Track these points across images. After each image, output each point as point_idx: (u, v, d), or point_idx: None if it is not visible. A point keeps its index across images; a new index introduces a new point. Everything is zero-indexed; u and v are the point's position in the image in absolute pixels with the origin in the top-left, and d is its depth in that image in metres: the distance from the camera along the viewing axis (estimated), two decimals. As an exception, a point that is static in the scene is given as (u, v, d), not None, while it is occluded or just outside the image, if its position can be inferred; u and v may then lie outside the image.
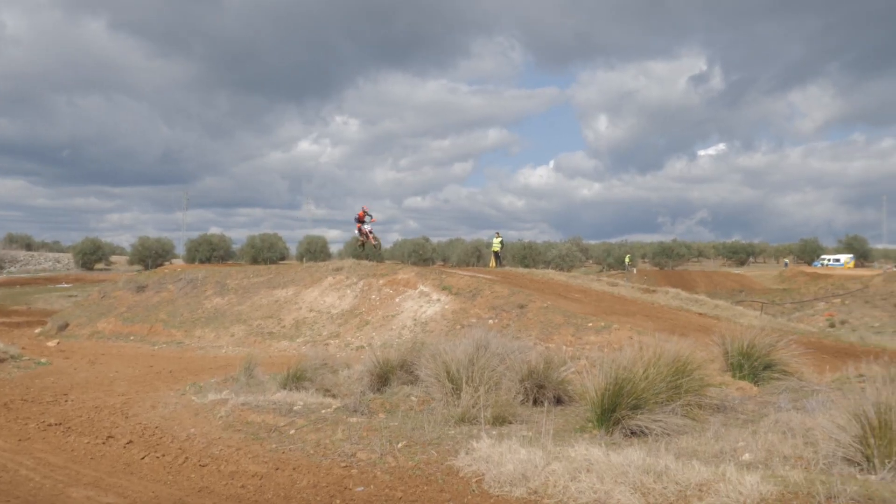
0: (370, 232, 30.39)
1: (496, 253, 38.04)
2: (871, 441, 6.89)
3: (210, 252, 63.23)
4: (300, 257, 61.39)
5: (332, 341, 22.00)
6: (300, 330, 23.91)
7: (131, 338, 26.47)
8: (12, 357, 18.75)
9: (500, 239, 38.79)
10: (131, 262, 71.41)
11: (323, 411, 11.12)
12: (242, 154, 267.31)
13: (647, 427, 8.63)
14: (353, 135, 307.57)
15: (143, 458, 9.97)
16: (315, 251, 61.36)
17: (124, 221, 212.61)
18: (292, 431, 10.26)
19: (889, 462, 6.64)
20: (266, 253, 59.88)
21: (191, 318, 27.03)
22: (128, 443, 10.70)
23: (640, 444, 7.83)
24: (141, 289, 31.23)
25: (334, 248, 66.75)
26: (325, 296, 25.97)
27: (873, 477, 6.58)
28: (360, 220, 31.13)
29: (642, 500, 6.34)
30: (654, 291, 28.52)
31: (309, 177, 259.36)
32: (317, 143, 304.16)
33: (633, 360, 9.30)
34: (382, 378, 12.73)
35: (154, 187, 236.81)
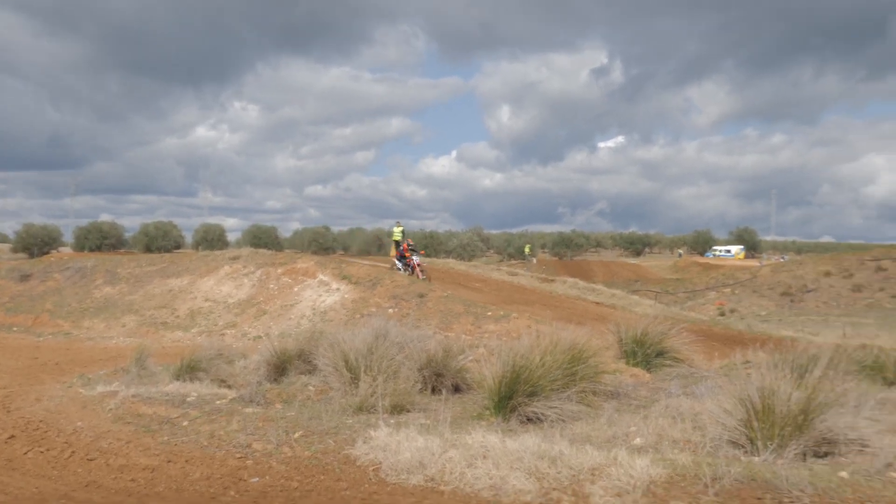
0: (419, 265, 27.20)
1: (397, 242, 38.04)
2: (755, 424, 7.20)
3: (101, 240, 61.11)
4: (196, 246, 60.00)
5: (228, 331, 21.62)
6: (195, 320, 23.40)
7: (14, 328, 25.36)
8: None
9: (401, 228, 38.77)
10: (15, 250, 68.31)
11: (217, 402, 10.91)
12: (136, 139, 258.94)
13: (542, 413, 8.80)
14: (252, 121, 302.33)
15: (25, 454, 9.57)
16: (212, 240, 60.06)
17: (7, 207, 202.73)
18: (185, 423, 10.04)
19: (771, 444, 6.96)
20: (160, 241, 58.26)
21: (79, 307, 26.10)
22: (9, 438, 10.24)
23: (536, 431, 7.98)
24: (25, 277, 29.93)
25: (232, 237, 65.54)
26: (222, 285, 25.49)
27: (756, 458, 6.89)
28: (403, 255, 28.04)
29: (537, 485, 6.46)
30: (552, 281, 29.09)
31: (206, 163, 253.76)
32: (214, 128, 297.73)
33: (530, 348, 9.47)
34: (280, 368, 12.58)
35: (40, 172, 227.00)
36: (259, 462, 8.50)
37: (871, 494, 5.90)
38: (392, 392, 9.91)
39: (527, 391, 9.00)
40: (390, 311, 20.06)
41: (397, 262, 28.17)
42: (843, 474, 6.41)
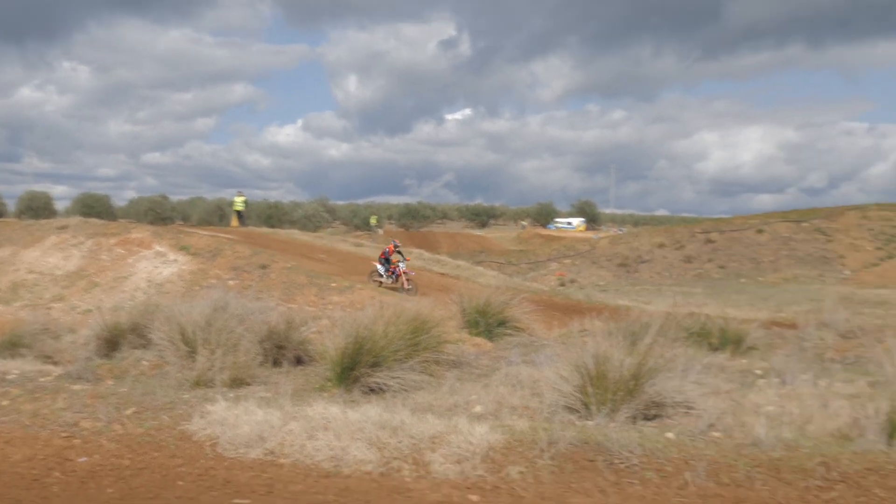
0: (406, 272, 23.17)
1: (239, 212, 37.16)
2: (590, 390, 7.52)
3: None
4: (20, 215, 56.37)
5: (55, 305, 20.49)
6: (18, 293, 22.03)
7: None
8: None
9: (243, 198, 37.91)
10: None
11: (42, 379, 10.32)
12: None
13: (385, 384, 8.85)
14: (83, 83, 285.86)
15: None
16: (38, 208, 56.68)
17: None
18: (5, 402, 9.43)
19: (604, 408, 7.30)
20: None
21: None
22: None
23: (378, 401, 8.02)
24: None
25: (61, 206, 61.99)
26: (48, 256, 24.08)
27: (590, 423, 7.20)
28: (388, 258, 23.64)
29: (378, 454, 6.50)
30: (397, 252, 29.25)
31: (31, 127, 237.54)
32: (41, 89, 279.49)
33: (373, 319, 9.48)
34: (112, 343, 12.05)
35: None
36: (87, 441, 8.11)
37: (694, 453, 6.29)
38: (231, 365, 9.69)
39: (370, 362, 9.02)
40: (231, 282, 19.59)
41: (378, 267, 23.17)
42: (670, 435, 6.81)
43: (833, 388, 8.81)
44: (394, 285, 22.64)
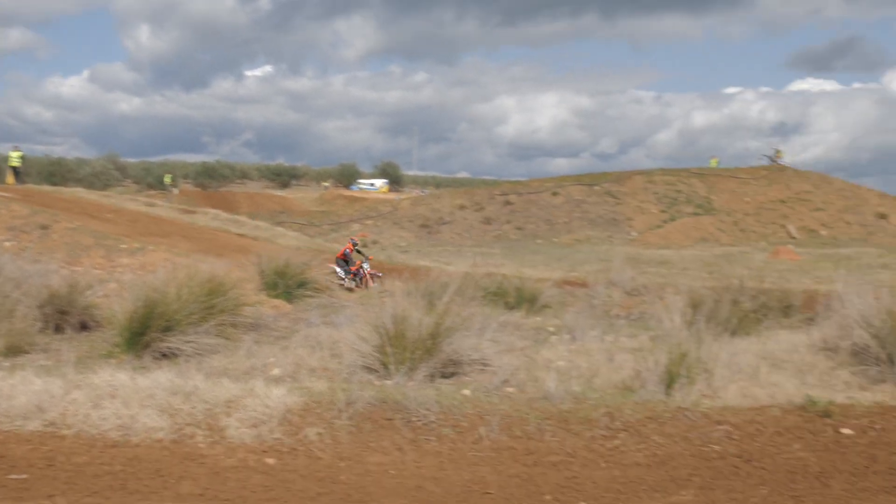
0: (372, 273, 20.37)
1: (15, 168, 34.41)
2: (389, 350, 7.64)
3: None
4: None
5: None
6: None
7: None
8: None
9: (19, 153, 35.15)
10: None
11: None
12: None
13: (178, 349, 8.57)
14: None
15: None
16: None
17: None
18: None
19: (403, 368, 7.43)
20: None
21: None
22: None
23: (171, 367, 7.75)
24: None
25: None
26: None
27: (389, 382, 7.32)
28: (346, 259, 20.88)
29: (170, 421, 6.31)
30: (193, 212, 28.24)
31: None
32: None
33: (166, 282, 9.14)
34: None
35: None
36: None
37: (489, 409, 6.55)
38: (6, 333, 9.04)
39: (161, 326, 8.69)
40: (7, 244, 18.18)
41: (337, 269, 19.83)
42: (466, 392, 7.06)
43: (618, 343, 9.47)
44: (358, 287, 19.59)
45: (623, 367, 7.85)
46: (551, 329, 10.89)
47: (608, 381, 7.53)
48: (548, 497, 5.54)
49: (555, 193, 59.58)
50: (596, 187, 59.90)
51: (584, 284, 17.20)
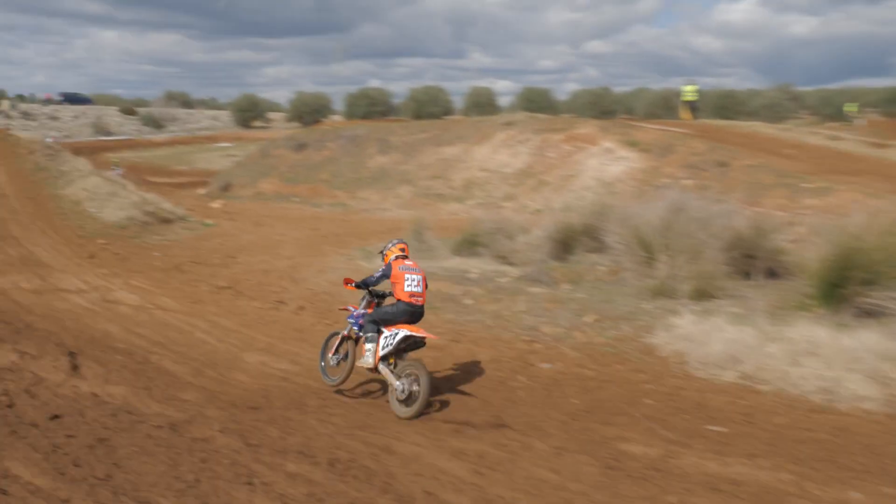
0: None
1: (690, 103, 36.36)
2: None
3: (369, 107, 63.90)
4: (466, 112, 61.20)
5: (506, 203, 22.02)
6: (470, 191, 24.04)
7: (294, 199, 27.53)
8: (180, 218, 19.94)
9: (694, 87, 36.99)
10: (289, 120, 73.58)
11: (500, 280, 11.17)
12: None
13: (884, 306, 8.03)
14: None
15: (313, 325, 10.42)
16: (482, 105, 60.83)
17: (280, 76, 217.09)
18: (468, 301, 10.39)
19: None
20: (429, 107, 59.88)
21: (354, 178, 27.73)
22: (298, 308, 11.22)
23: (876, 326, 7.32)
24: (301, 147, 32.18)
25: (503, 102, 66.13)
26: (497, 153, 25.86)
27: None
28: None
29: (881, 390, 5.96)
30: (885, 146, 26.49)
31: (474, 21, 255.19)
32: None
33: (863, 227, 8.62)
34: (565, 245, 12.59)
35: (309, 38, 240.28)
36: (549, 347, 8.61)
37: None
38: (694, 275, 9.55)
39: (862, 279, 8.23)
40: (686, 182, 19.34)
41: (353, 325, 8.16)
42: None
43: None
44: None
45: None
46: None
47: None
48: None
49: None
50: None
51: None
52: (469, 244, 13.09)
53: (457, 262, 12.23)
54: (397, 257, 7.73)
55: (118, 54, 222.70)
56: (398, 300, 7.48)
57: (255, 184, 30.02)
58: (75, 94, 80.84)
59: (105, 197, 19.58)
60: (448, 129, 29.95)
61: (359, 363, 7.52)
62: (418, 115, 56.66)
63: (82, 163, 22.66)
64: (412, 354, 7.51)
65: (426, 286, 7.71)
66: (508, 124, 27.79)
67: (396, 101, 66.64)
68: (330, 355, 7.94)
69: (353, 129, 32.49)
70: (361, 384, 7.90)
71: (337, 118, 65.83)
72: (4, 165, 21.26)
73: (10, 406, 6.64)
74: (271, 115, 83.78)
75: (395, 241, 8.02)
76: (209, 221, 20.56)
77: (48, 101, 73.00)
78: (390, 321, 7.46)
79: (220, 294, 12.32)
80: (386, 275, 7.56)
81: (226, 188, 30.60)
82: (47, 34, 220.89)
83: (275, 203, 27.19)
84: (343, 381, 7.72)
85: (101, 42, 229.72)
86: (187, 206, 22.64)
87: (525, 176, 23.71)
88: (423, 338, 7.27)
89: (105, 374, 7.88)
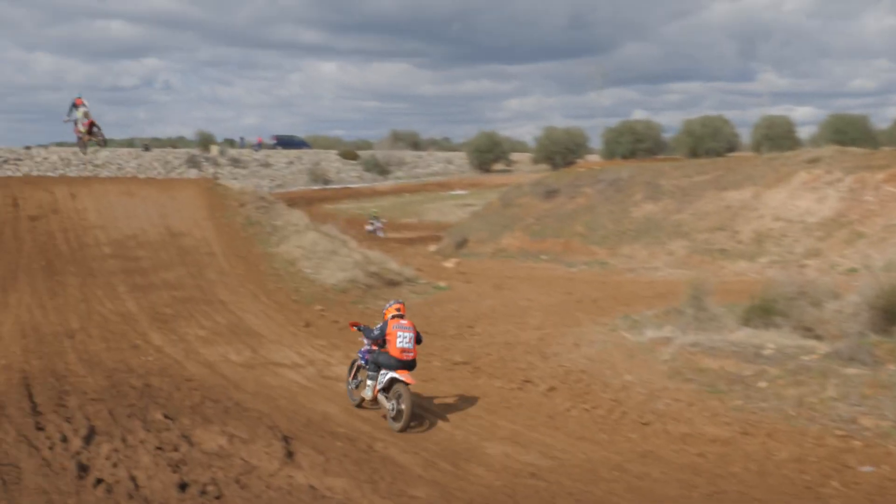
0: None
1: None
2: None
3: (634, 144, 63.89)
4: (756, 147, 59.76)
5: (809, 261, 21.30)
6: (763, 246, 23.46)
7: (542, 256, 27.89)
8: (408, 280, 20.73)
9: None
10: (536, 161, 74.61)
11: (804, 358, 10.82)
12: (674, 8, 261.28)
13: None
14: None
15: (568, 410, 10.52)
16: (777, 137, 59.15)
17: (524, 108, 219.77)
18: (762, 384, 10.14)
19: None
20: (708, 142, 59.05)
21: (615, 230, 27.76)
22: (549, 389, 11.33)
23: None
24: (551, 194, 32.58)
25: (804, 133, 64.12)
26: (797, 198, 25.12)
27: None
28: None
29: None
30: None
31: (766, 34, 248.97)
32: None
33: None
34: (889, 314, 12.00)
35: (559, 62, 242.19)
36: (870, 445, 8.25)
37: None
38: None
39: None
40: None
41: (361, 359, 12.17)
42: None
43: None
44: None
45: None
46: None
47: None
48: None
49: None
50: None
51: None
52: (762, 312, 12.77)
53: (746, 335, 11.94)
54: (393, 316, 11.14)
55: (337, 89, 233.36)
56: (392, 355, 10.83)
57: (495, 239, 30.75)
58: (290, 136, 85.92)
59: (323, 256, 20.64)
60: (733, 169, 29.50)
61: (362, 394, 11.32)
62: (695, 152, 56.13)
63: (298, 216, 23.89)
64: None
65: (418, 341, 11.09)
66: (812, 161, 26.97)
67: (667, 135, 66.33)
68: (350, 379, 11.85)
69: (613, 172, 32.65)
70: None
71: (594, 158, 66.35)
72: (212, 220, 22.80)
73: (217, 498, 7.14)
74: (514, 155, 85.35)
75: (393, 302, 11.59)
76: (442, 284, 21.22)
77: (260, 146, 77.96)
78: (385, 367, 10.88)
79: (456, 371, 12.64)
80: (382, 332, 11.06)
81: (461, 244, 31.42)
82: (258, 69, 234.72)
83: (519, 261, 27.72)
84: (361, 403, 11.36)
85: (319, 76, 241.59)
86: (416, 266, 23.48)
87: (835, 226, 22.88)
88: (407, 383, 10.53)
89: (324, 463, 8.29)
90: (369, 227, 38.57)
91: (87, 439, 8.93)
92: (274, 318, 16.30)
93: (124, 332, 14.74)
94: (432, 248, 32.61)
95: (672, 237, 25.85)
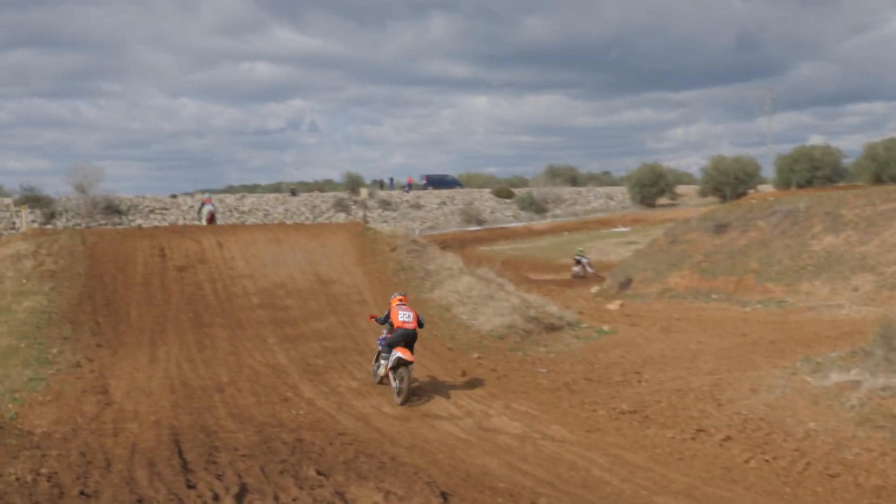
0: None
1: None
2: None
3: (811, 172, 62.23)
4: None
5: None
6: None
7: (713, 296, 27.10)
8: (569, 324, 20.34)
9: None
10: (703, 193, 73.56)
11: None
12: (851, 23, 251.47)
13: None
14: None
15: (746, 462, 10.18)
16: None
17: (689, 138, 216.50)
18: None
19: None
20: (894, 167, 57.06)
21: (793, 265, 26.77)
22: (724, 439, 10.94)
23: None
24: (721, 228, 31.75)
25: None
26: None
27: None
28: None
29: None
30: None
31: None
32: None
33: None
34: None
35: (726, 87, 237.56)
36: None
37: None
38: None
39: None
40: None
41: (380, 346, 16.16)
42: None
43: None
44: None
45: None
46: None
47: None
48: None
49: None
50: None
51: None
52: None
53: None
54: (397, 305, 15.49)
55: (489, 124, 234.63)
56: (396, 327, 15.02)
57: (661, 278, 30.13)
58: (441, 175, 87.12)
59: (479, 301, 20.46)
60: (928, 196, 28.07)
61: (379, 372, 15.52)
62: (879, 178, 54.04)
63: (452, 259, 23.91)
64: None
65: (419, 324, 15.19)
66: None
67: (847, 161, 64.20)
68: (374, 363, 16.03)
69: (789, 202, 31.55)
70: None
71: (767, 188, 64.71)
72: (363, 266, 23.05)
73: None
74: (680, 188, 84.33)
75: (396, 294, 16.13)
76: (606, 328, 20.82)
77: (410, 187, 79.00)
78: (395, 344, 14.89)
79: (623, 420, 12.32)
80: (387, 315, 15.53)
81: (625, 285, 31.00)
82: (407, 106, 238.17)
83: (688, 302, 27.08)
84: (380, 380, 15.52)
85: (470, 111, 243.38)
86: (577, 309, 23.22)
87: None
88: (408, 362, 14.50)
89: (485, 520, 7.98)
90: (576, 269, 38.38)
91: (239, 497, 8.99)
92: (429, 368, 16.22)
93: (274, 385, 14.89)
94: (594, 289, 32.28)
95: (856, 271, 24.71)
